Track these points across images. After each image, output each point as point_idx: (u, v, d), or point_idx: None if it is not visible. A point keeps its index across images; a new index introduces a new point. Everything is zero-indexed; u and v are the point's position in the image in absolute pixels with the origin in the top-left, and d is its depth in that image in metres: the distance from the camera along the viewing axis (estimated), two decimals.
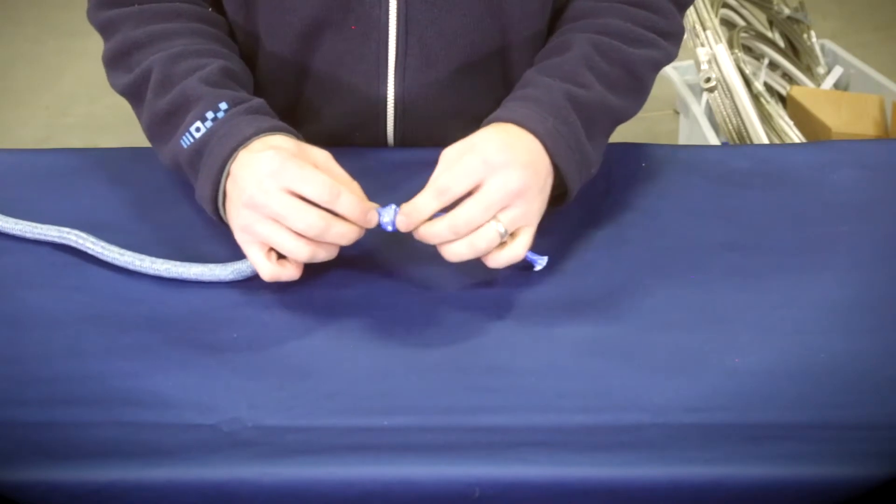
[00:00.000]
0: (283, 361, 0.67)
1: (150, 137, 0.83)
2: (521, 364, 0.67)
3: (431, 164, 0.90)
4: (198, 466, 0.59)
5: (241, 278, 0.74)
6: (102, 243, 0.76)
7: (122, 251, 0.76)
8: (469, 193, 0.71)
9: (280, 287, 0.73)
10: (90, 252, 0.77)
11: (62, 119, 2.84)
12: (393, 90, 0.91)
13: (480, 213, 0.71)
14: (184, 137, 0.77)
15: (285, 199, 0.69)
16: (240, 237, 0.73)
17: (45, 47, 3.28)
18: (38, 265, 0.77)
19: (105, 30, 0.87)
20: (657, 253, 0.79)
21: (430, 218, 0.72)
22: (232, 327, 0.70)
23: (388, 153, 0.94)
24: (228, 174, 0.74)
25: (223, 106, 0.77)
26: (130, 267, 0.75)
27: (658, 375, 0.65)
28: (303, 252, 0.71)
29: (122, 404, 0.63)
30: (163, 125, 0.80)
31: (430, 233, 0.72)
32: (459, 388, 0.65)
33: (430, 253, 0.73)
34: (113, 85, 0.86)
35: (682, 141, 2.30)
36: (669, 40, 0.90)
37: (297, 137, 0.78)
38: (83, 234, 0.77)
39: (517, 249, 0.73)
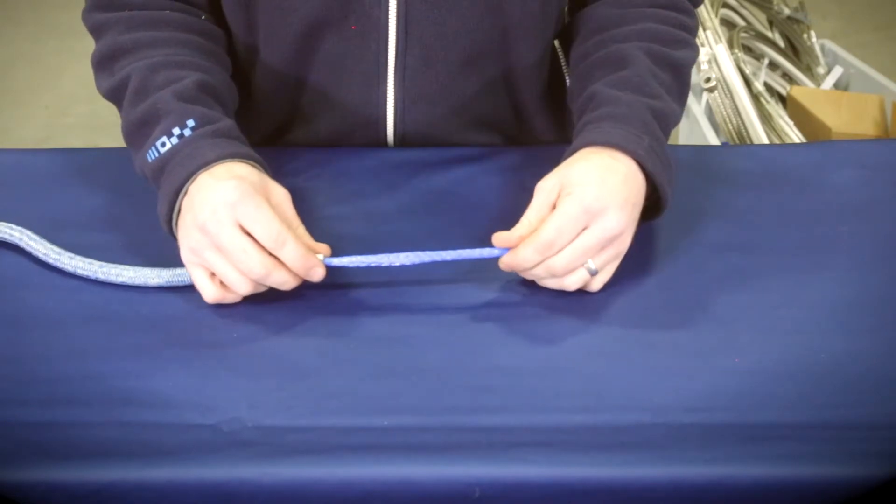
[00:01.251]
0: (283, 361, 0.67)
1: (126, 143, 0.83)
2: (521, 364, 0.67)
3: (431, 165, 0.91)
4: (198, 466, 0.59)
5: (169, 286, 0.74)
6: (44, 241, 0.77)
7: (60, 251, 0.76)
8: None
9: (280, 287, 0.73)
10: (27, 249, 0.77)
11: (62, 119, 2.84)
12: (393, 90, 0.91)
13: (578, 258, 0.71)
14: (150, 151, 0.77)
15: (235, 235, 0.70)
16: (186, 256, 0.72)
17: (45, 47, 3.28)
18: (38, 265, 0.77)
19: (96, 32, 0.87)
20: (657, 253, 0.79)
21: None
22: (232, 327, 0.70)
23: (388, 153, 0.94)
24: (186, 193, 0.74)
25: (191, 123, 0.76)
26: (65, 268, 0.75)
27: (658, 375, 0.65)
28: (243, 287, 0.71)
29: (123, 404, 0.63)
30: (135, 134, 0.80)
31: (526, 274, 0.73)
32: (459, 388, 0.65)
33: None
34: (98, 87, 0.86)
35: (682, 141, 2.30)
36: (694, 35, 0.91)
37: (262, 167, 0.77)
38: (22, 230, 0.78)
39: (592, 285, 0.73)
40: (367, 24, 0.88)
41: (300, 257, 0.70)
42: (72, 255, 0.76)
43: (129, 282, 0.74)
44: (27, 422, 0.62)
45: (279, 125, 0.97)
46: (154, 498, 0.58)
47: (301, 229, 0.75)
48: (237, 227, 0.70)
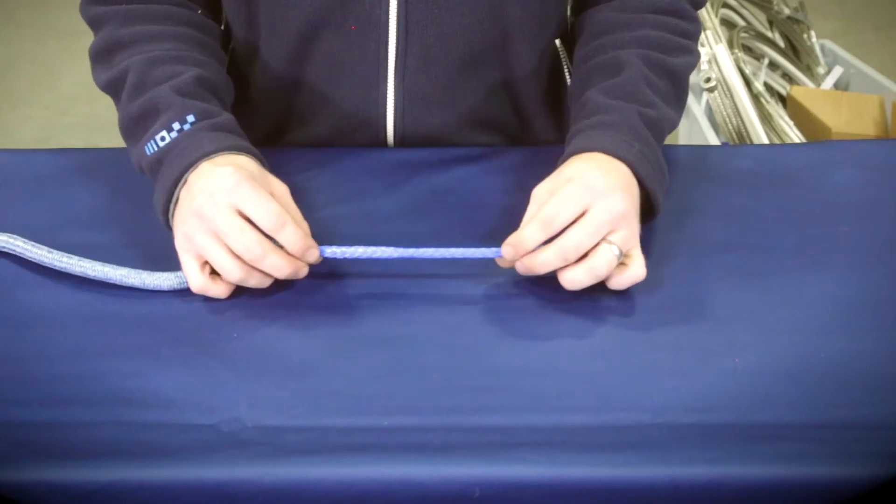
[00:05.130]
0: (283, 361, 0.67)
1: (123, 137, 0.83)
2: (521, 364, 0.67)
3: (431, 165, 0.91)
4: (198, 466, 0.59)
5: (166, 289, 0.73)
6: (31, 243, 0.76)
7: (50, 250, 0.75)
8: (573, 222, 0.71)
9: (281, 287, 0.73)
10: (18, 253, 0.76)
11: (62, 119, 2.84)
12: (393, 90, 0.91)
13: (589, 236, 0.70)
14: (149, 144, 0.77)
15: (231, 216, 0.70)
16: (180, 243, 0.73)
17: (45, 47, 3.28)
18: (38, 265, 0.77)
19: (94, 25, 0.88)
20: (657, 253, 0.79)
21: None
22: (232, 327, 0.70)
23: (388, 153, 0.94)
24: (185, 182, 0.74)
25: (190, 118, 0.77)
26: (56, 266, 0.75)
27: (658, 375, 0.65)
28: (235, 274, 0.71)
29: (122, 404, 0.63)
30: (132, 128, 0.80)
31: (537, 262, 0.71)
32: (459, 388, 0.65)
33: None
34: (95, 80, 0.87)
35: (682, 141, 2.30)
36: (695, 41, 0.91)
37: (262, 161, 0.78)
38: (13, 236, 0.77)
39: (637, 269, 0.72)
40: (368, 24, 0.88)
41: (300, 238, 0.71)
42: (79, 257, 0.75)
43: (138, 286, 0.74)
44: (27, 422, 0.62)
45: (279, 124, 0.98)
46: (154, 498, 0.58)
47: (305, 224, 0.75)
48: (234, 211, 0.70)
